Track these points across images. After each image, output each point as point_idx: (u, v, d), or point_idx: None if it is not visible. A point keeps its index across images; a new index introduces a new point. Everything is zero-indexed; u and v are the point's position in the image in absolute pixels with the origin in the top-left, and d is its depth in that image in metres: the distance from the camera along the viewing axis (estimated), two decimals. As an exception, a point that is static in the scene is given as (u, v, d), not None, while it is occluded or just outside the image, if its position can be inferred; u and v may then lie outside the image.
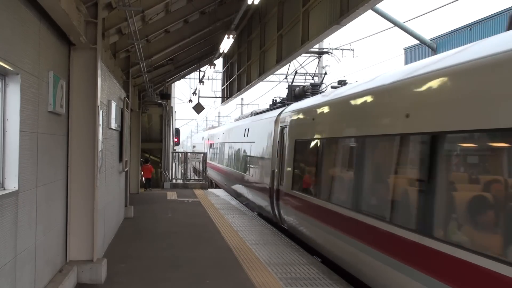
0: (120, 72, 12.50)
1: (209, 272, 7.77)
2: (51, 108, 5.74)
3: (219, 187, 25.64)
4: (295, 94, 14.07)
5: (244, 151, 17.39)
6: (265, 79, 19.27)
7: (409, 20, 12.26)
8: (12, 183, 4.61)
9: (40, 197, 5.52)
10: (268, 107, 17.48)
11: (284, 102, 14.88)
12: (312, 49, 10.81)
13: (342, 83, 10.86)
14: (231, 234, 11.01)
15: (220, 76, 28.66)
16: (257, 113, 18.32)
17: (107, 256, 8.32)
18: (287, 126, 11.33)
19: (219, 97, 27.78)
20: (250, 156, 16.05)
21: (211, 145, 31.13)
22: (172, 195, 19.11)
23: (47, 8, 5.35)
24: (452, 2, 10.46)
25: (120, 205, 12.16)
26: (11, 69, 4.42)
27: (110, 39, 10.08)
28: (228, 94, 23.90)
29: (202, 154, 25.22)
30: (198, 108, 23.69)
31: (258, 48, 15.87)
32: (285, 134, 11.42)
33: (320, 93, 12.48)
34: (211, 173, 27.78)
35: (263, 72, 15.62)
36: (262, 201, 13.71)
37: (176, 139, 27.68)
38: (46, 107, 5.67)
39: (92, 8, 7.03)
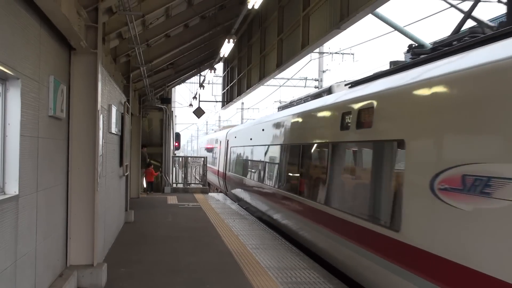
0: (121, 77, 12.52)
1: (209, 277, 7.75)
2: (51, 112, 5.74)
3: (218, 191, 25.41)
4: None
5: (350, 163, 8.14)
6: (265, 84, 19.30)
7: (409, 24, 12.28)
8: (12, 188, 4.60)
9: (41, 201, 5.52)
10: (391, 66, 8.36)
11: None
12: None
13: None
14: (231, 238, 10.99)
15: (220, 80, 28.70)
16: (377, 76, 8.07)
17: (108, 260, 8.30)
18: None
19: (219, 101, 27.81)
20: (381, 176, 6.72)
21: (232, 151, 21.33)
22: (172, 199, 19.09)
23: (47, 13, 5.36)
24: (452, 6, 10.45)
25: (121, 209, 12.14)
26: (12, 73, 4.43)
27: (110, 43, 10.10)
28: (228, 98, 23.91)
29: (202, 159, 25.09)
30: (199, 112, 23.69)
31: (258, 52, 15.89)
32: None
33: None
34: (233, 187, 20.12)
35: (263, 76, 15.62)
36: None
37: (176, 144, 27.67)
38: (47, 112, 5.67)
39: (92, 12, 7.04)
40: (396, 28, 9.66)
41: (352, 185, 7.94)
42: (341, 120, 8.17)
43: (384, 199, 6.52)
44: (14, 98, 4.58)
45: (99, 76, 7.11)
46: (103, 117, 7.86)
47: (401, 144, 6.09)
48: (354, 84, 8.97)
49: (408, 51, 8.02)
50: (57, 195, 6.38)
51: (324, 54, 27.85)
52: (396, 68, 7.52)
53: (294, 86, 31.78)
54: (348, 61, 28.81)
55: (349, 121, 7.86)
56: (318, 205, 8.92)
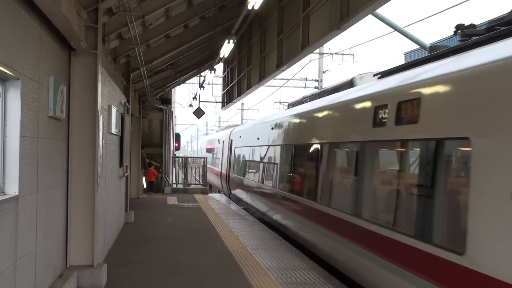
0: (121, 77, 12.52)
1: (209, 277, 7.75)
2: (51, 113, 5.74)
3: (219, 193, 25.37)
4: None
5: None
6: (265, 84, 19.32)
7: (409, 25, 12.30)
8: (12, 188, 4.60)
9: (40, 202, 5.51)
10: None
11: None
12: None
13: None
14: (231, 239, 10.99)
15: (220, 81, 28.73)
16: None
17: (107, 261, 8.30)
18: None
19: (219, 102, 27.82)
20: None
21: (236, 151, 19.60)
22: (172, 200, 19.08)
23: (47, 13, 5.36)
24: (452, 7, 10.48)
25: (121, 210, 12.14)
26: (12, 74, 4.43)
27: (110, 44, 10.10)
28: (228, 99, 23.92)
29: (202, 159, 25.09)
30: (199, 113, 23.70)
31: (258, 53, 15.90)
32: None
33: None
34: (237, 191, 18.37)
35: (263, 77, 15.64)
36: None
37: (176, 144, 27.67)
38: (47, 112, 5.67)
39: (92, 13, 7.05)
40: (396, 28, 9.69)
41: (393, 194, 6.40)
42: (373, 115, 6.79)
43: (437, 213, 5.18)
44: (14, 98, 4.58)
45: (99, 76, 7.10)
46: (103, 117, 7.86)
47: (464, 143, 4.77)
48: (385, 74, 7.69)
49: (455, 33, 6.56)
50: (57, 196, 6.37)
51: (324, 55, 27.89)
52: (443, 52, 6.18)
53: (294, 87, 31.84)
54: (348, 62, 28.78)
55: (384, 116, 6.49)
56: (348, 216, 7.42)
